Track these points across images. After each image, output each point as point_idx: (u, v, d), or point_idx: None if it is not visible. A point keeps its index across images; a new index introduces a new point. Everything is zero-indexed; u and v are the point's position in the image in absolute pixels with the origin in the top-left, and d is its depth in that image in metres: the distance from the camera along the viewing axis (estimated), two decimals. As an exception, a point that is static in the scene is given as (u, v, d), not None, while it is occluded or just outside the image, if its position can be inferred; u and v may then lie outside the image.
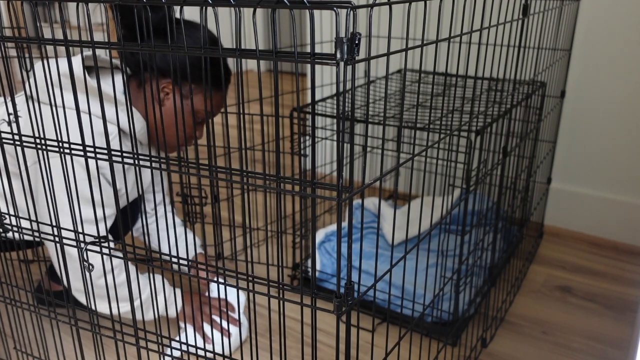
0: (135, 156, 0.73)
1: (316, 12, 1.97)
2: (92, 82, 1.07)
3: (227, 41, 4.31)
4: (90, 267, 0.92)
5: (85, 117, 1.05)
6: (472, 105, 1.02)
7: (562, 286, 1.59)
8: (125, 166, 1.13)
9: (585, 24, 1.71)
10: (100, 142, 1.06)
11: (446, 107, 1.39)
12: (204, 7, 0.61)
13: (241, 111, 1.15)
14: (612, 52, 1.69)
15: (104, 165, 1.09)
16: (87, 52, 1.11)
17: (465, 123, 1.04)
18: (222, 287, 1.26)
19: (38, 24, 0.73)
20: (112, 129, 1.09)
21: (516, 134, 1.33)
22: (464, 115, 1.30)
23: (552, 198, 1.91)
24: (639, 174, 1.76)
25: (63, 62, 1.04)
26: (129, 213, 1.30)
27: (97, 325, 0.91)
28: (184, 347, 0.98)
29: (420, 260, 1.57)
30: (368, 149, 2.11)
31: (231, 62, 1.27)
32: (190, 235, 1.45)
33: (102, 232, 1.06)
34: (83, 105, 1.05)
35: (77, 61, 1.03)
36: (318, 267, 1.54)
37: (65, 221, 1.01)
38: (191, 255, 1.39)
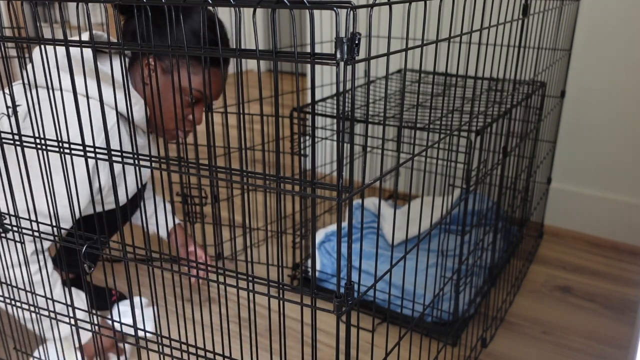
0: (135, 156, 0.73)
1: (316, 12, 1.97)
2: (90, 63, 1.04)
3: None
4: (90, 267, 0.92)
5: (84, 103, 1.01)
6: (472, 105, 1.02)
7: (562, 286, 1.59)
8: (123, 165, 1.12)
9: (585, 24, 1.71)
10: (99, 135, 1.03)
11: (446, 107, 1.39)
12: (204, 7, 0.61)
13: (241, 111, 1.15)
14: (612, 52, 1.69)
15: (101, 163, 1.07)
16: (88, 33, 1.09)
17: (465, 123, 1.04)
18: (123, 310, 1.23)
19: (38, 24, 0.73)
20: (111, 117, 1.06)
21: (516, 134, 1.33)
22: (464, 115, 1.30)
23: (552, 198, 1.91)
24: (638, 174, 1.76)
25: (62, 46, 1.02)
26: (129, 207, 1.30)
27: (97, 325, 0.91)
28: (184, 347, 0.98)
29: (420, 260, 1.57)
30: (368, 149, 2.11)
31: (231, 62, 1.26)
32: (168, 206, 1.45)
33: (69, 225, 1.06)
34: (82, 89, 1.02)
35: (86, 50, 1.00)
36: (318, 267, 1.54)
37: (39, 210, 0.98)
38: (170, 225, 1.40)
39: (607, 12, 1.67)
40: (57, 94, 1.00)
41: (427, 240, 1.61)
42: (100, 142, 1.05)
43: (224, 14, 3.81)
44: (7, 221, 0.95)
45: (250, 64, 4.53)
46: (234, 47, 0.61)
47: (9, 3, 0.78)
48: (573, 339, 1.36)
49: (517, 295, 1.54)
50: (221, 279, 1.46)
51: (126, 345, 1.22)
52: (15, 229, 0.95)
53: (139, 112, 1.12)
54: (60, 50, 1.03)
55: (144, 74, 1.01)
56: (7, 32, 1.68)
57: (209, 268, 1.27)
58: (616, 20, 1.66)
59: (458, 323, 1.30)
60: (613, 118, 1.75)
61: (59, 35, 2.06)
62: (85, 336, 1.15)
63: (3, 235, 0.95)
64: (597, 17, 1.68)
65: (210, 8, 0.64)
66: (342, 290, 0.62)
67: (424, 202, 1.83)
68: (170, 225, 1.40)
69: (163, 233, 1.44)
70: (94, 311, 0.93)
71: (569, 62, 1.73)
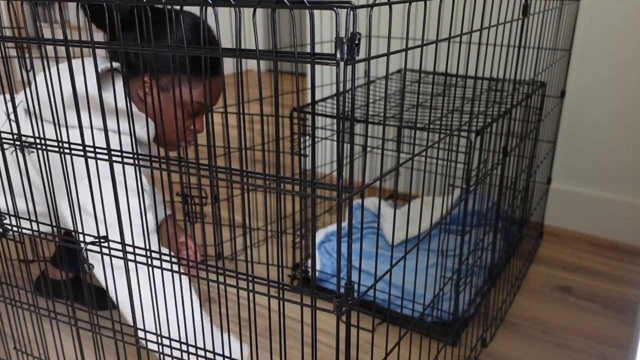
0: (135, 156, 0.73)
1: (316, 12, 1.97)
2: (109, 99, 1.06)
3: (227, 41, 4.31)
4: (90, 267, 0.92)
5: (89, 134, 1.05)
6: (472, 105, 1.02)
7: (562, 286, 1.59)
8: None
9: (585, 24, 1.71)
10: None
11: (446, 107, 1.39)
12: (204, 7, 0.61)
13: (241, 111, 1.15)
14: (612, 52, 1.69)
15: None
16: (102, 66, 1.10)
17: (465, 123, 1.04)
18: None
19: (38, 24, 0.73)
20: (127, 141, 1.11)
21: (516, 134, 1.33)
22: (464, 115, 1.30)
23: (552, 198, 1.91)
24: (638, 174, 1.76)
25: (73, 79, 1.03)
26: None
27: (97, 325, 0.91)
28: (184, 347, 0.98)
29: (420, 260, 1.57)
30: (368, 149, 2.11)
31: (231, 62, 1.26)
32: (159, 197, 1.45)
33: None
34: (98, 123, 1.06)
35: (92, 81, 1.03)
36: (318, 267, 1.54)
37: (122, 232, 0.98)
38: (160, 216, 1.39)
39: (607, 12, 1.67)
40: (63, 130, 1.02)
41: (427, 240, 1.61)
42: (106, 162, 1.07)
43: (224, 14, 3.82)
44: (7, 221, 0.95)
45: (250, 64, 4.53)
46: (234, 47, 0.61)
47: (9, 3, 0.78)
48: (573, 339, 1.36)
49: (517, 295, 1.54)
50: (221, 279, 1.46)
51: None
52: (15, 229, 0.95)
53: (146, 133, 1.16)
54: (67, 90, 1.04)
55: (145, 90, 1.03)
56: (7, 32, 1.68)
57: (209, 268, 1.27)
58: (616, 20, 1.66)
59: (458, 323, 1.30)
60: (613, 118, 1.75)
61: (59, 35, 2.05)
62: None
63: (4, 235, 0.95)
64: (597, 17, 1.68)
65: (202, 14, 0.64)
66: (342, 290, 0.62)
67: (424, 202, 1.83)
68: (161, 216, 1.41)
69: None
70: (94, 311, 0.93)
71: (569, 62, 1.73)
